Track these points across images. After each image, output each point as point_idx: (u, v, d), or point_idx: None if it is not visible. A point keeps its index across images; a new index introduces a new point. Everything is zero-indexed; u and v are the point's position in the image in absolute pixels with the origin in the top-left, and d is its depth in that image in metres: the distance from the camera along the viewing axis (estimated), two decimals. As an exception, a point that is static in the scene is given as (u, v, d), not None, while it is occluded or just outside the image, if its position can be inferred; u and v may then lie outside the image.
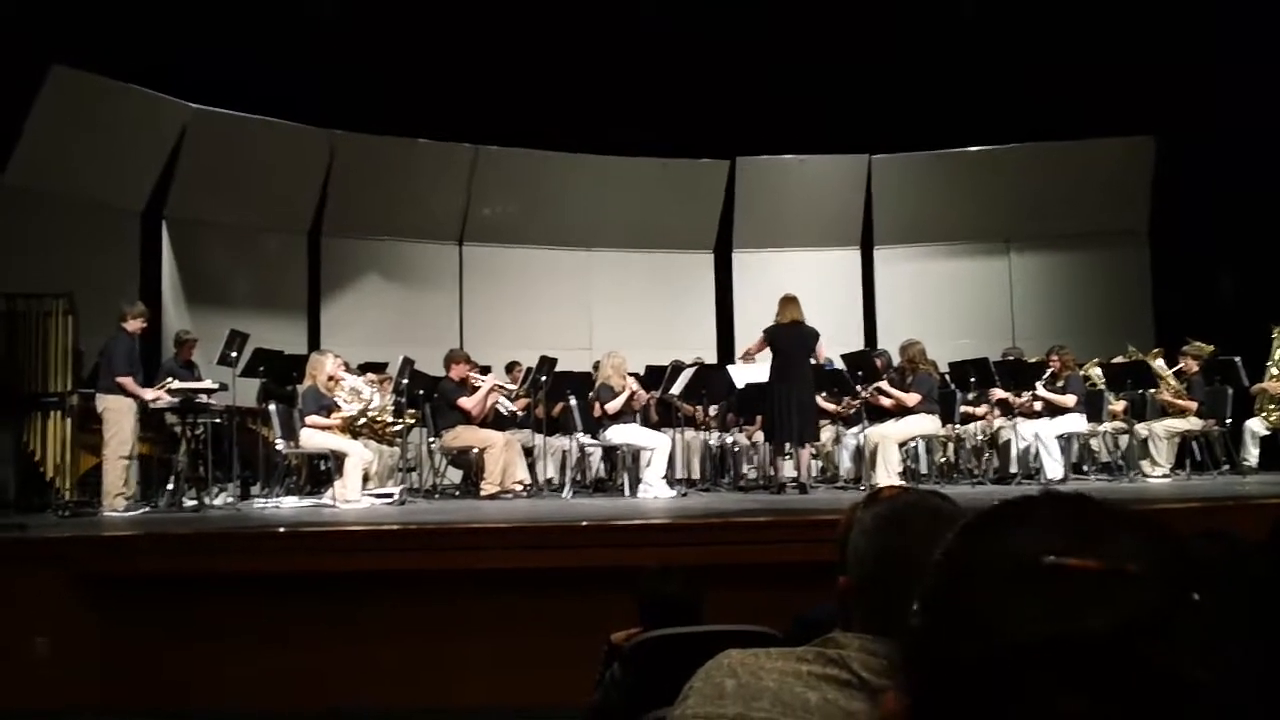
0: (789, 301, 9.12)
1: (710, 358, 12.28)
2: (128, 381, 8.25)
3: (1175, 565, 0.62)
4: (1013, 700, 0.57)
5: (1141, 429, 10.04)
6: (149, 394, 8.38)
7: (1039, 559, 0.61)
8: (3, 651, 5.54)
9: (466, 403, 9.66)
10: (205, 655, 5.61)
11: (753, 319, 9.86)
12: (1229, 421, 9.96)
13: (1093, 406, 9.94)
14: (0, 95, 9.54)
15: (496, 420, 10.21)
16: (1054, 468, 9.45)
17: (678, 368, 10.09)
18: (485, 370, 10.42)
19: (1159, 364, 10.24)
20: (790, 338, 9.03)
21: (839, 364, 10.06)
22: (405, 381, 9.48)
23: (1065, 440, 9.69)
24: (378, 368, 10.30)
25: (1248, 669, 0.57)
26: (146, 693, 5.55)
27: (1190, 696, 0.55)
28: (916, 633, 0.66)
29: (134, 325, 8.55)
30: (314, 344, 11.88)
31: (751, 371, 9.82)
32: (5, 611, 5.65)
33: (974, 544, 0.66)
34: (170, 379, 8.78)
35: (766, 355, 9.32)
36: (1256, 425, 10.12)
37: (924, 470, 10.00)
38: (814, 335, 9.08)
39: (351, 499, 8.53)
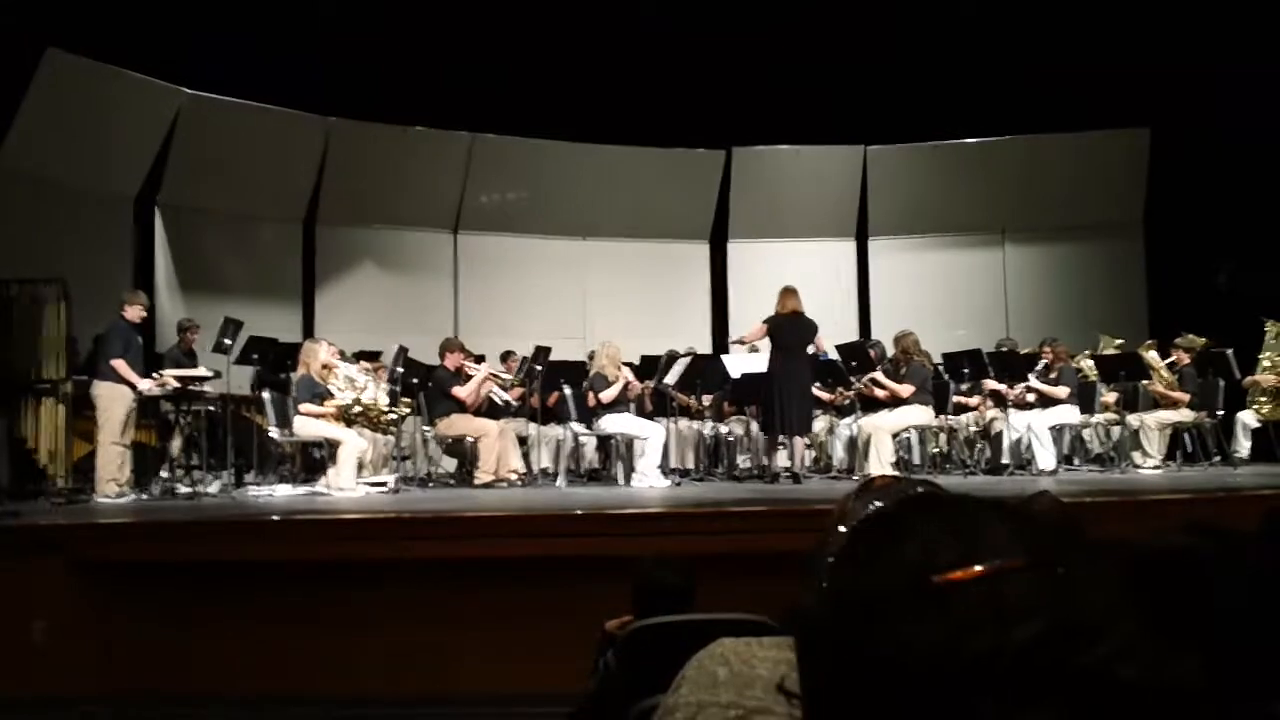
0: (789, 293, 9.12)
1: (704, 347, 12.29)
2: (120, 364, 8.25)
3: (1039, 545, 0.62)
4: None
5: (1133, 420, 10.07)
6: (143, 383, 8.38)
7: (930, 579, 0.61)
8: (-2, 638, 5.56)
9: (461, 391, 9.66)
10: (199, 642, 5.62)
11: (748, 309, 9.88)
12: (1220, 413, 9.99)
13: (1085, 398, 9.97)
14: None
15: (491, 409, 10.21)
16: (1046, 459, 9.48)
17: (672, 357, 10.10)
18: (480, 359, 10.42)
19: (1151, 356, 10.26)
20: (791, 329, 9.04)
21: (833, 354, 10.08)
22: (400, 370, 9.47)
23: (1057, 431, 9.72)
24: (372, 356, 10.29)
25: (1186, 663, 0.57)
26: (142, 678, 5.56)
27: (1123, 696, 0.55)
28: (823, 666, 0.66)
29: (133, 313, 8.57)
30: (308, 332, 11.87)
31: (747, 361, 9.83)
32: (0, 599, 5.66)
33: (862, 573, 0.65)
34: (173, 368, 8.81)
35: (762, 344, 9.34)
36: (1248, 417, 10.15)
37: (917, 461, 10.02)
38: (813, 327, 9.09)
39: (346, 487, 8.54)
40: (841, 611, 0.65)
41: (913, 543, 0.64)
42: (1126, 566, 0.62)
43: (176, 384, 8.60)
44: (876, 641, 0.60)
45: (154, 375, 8.55)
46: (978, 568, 0.60)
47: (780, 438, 9.18)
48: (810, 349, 9.72)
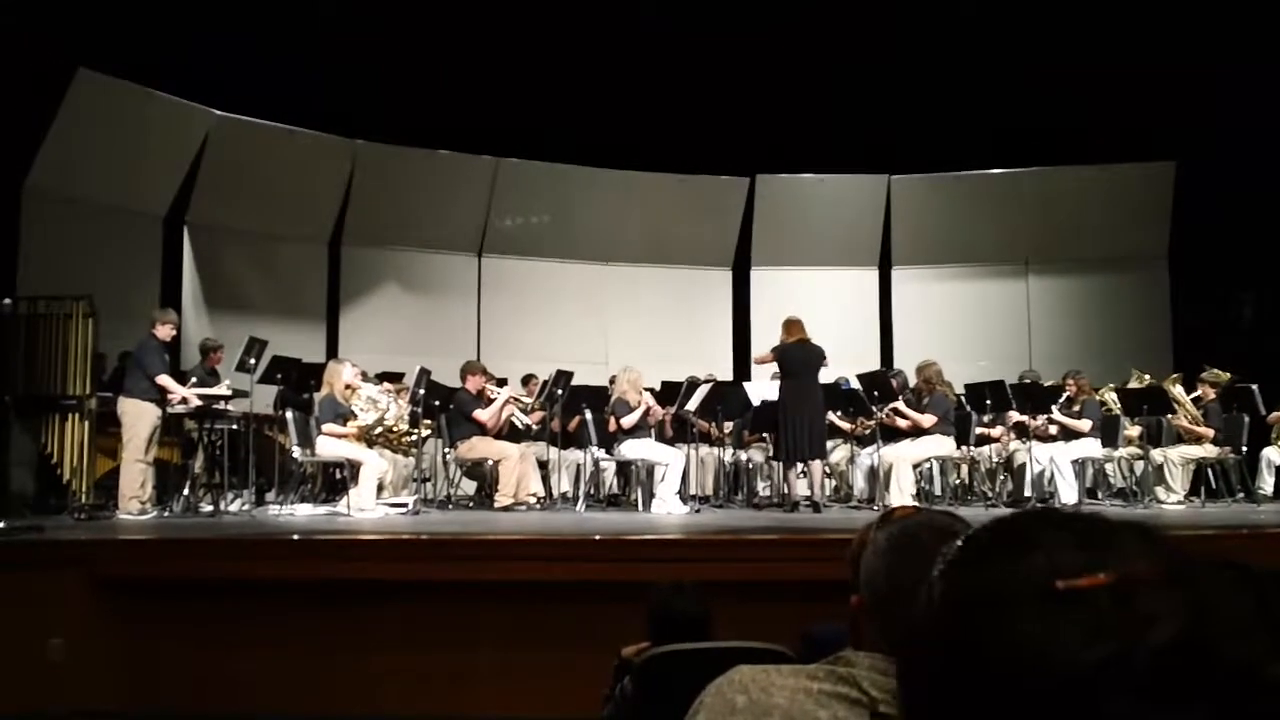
0: (794, 324, 9.16)
1: (725, 374, 12.28)
2: (167, 380, 8.33)
3: (1174, 562, 0.62)
4: None
5: (1157, 455, 9.99)
6: (187, 391, 8.45)
7: (1055, 583, 0.61)
8: (19, 653, 5.58)
9: (481, 415, 9.68)
10: (218, 659, 5.63)
11: (769, 336, 9.85)
12: (1245, 449, 9.91)
13: (1108, 431, 9.90)
14: (26, 99, 9.63)
15: (511, 432, 10.23)
16: (1068, 492, 9.42)
17: (693, 383, 10.09)
18: (501, 382, 10.44)
19: (1177, 390, 10.19)
20: (799, 358, 9.05)
21: (854, 383, 10.05)
22: (421, 392, 9.50)
23: (1080, 465, 9.65)
24: (394, 377, 10.33)
25: None
26: (161, 695, 5.58)
27: (1271, 697, 0.55)
28: (936, 671, 0.66)
29: (164, 332, 8.64)
30: (332, 352, 11.92)
31: (768, 389, 9.82)
32: (21, 613, 5.69)
33: (984, 575, 0.65)
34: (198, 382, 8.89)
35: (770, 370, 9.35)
36: (1273, 454, 10.07)
37: (938, 491, 9.97)
38: (821, 353, 9.08)
39: (366, 508, 8.56)
40: (960, 614, 0.65)
41: (1040, 550, 0.64)
42: None
43: (199, 402, 8.67)
44: (996, 643, 0.61)
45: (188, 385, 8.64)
46: (1106, 576, 0.61)
47: (800, 466, 9.16)
48: (834, 378, 9.75)
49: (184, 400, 8.57)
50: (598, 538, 6.44)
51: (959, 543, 0.70)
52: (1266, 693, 0.55)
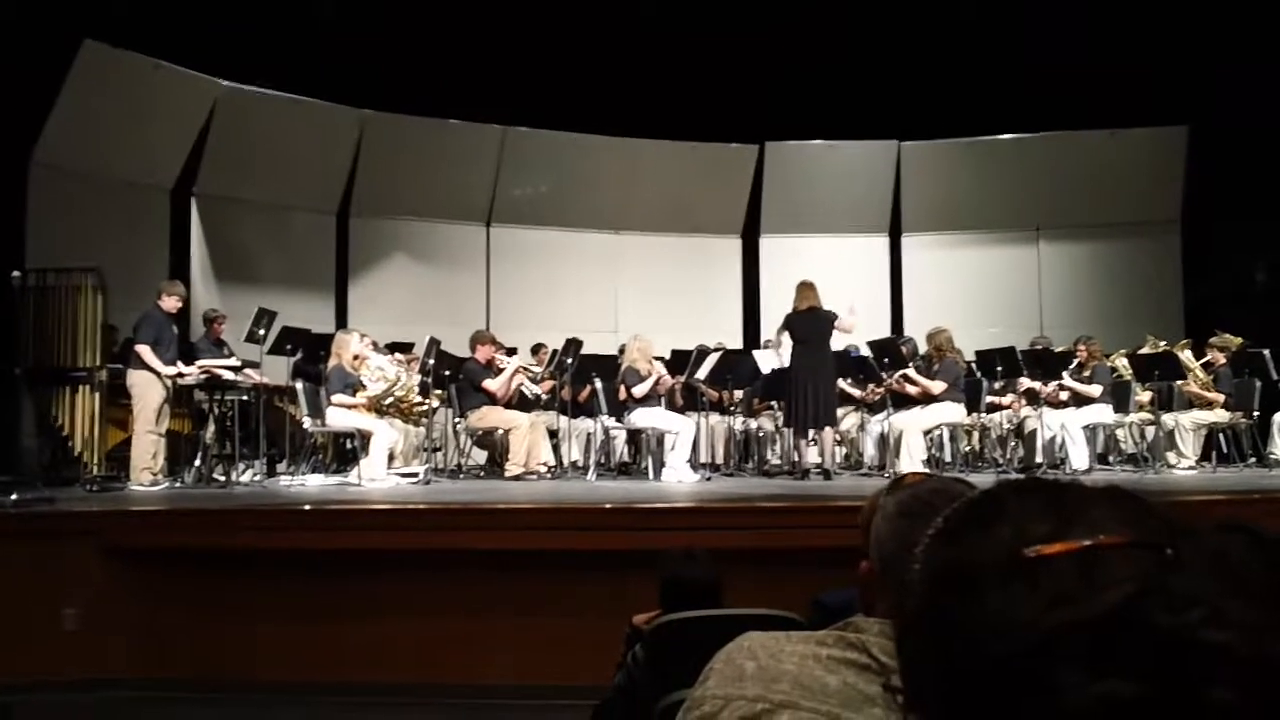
0: (806, 287, 9.06)
1: (736, 342, 12.27)
2: (145, 350, 8.32)
3: (1147, 527, 0.61)
4: (1038, 694, 0.56)
5: (1168, 420, 9.97)
6: (167, 369, 8.44)
7: (1022, 552, 0.60)
8: (32, 623, 5.62)
9: (491, 384, 9.68)
10: (230, 629, 5.67)
11: (779, 304, 9.82)
12: (1256, 414, 9.88)
13: (1119, 397, 9.88)
14: (31, 71, 9.60)
15: (521, 402, 10.23)
16: (1079, 458, 9.41)
17: (703, 352, 10.08)
18: (511, 352, 10.44)
19: (1187, 355, 10.15)
20: (806, 325, 8.98)
21: (865, 350, 10.03)
22: (431, 362, 9.51)
23: (1091, 430, 9.64)
24: (404, 347, 10.34)
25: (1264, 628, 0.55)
26: (173, 664, 5.62)
27: (1212, 659, 0.54)
28: (919, 641, 0.66)
29: (169, 303, 8.66)
30: (341, 323, 11.95)
31: (777, 357, 9.81)
32: (34, 583, 5.73)
33: (956, 548, 0.65)
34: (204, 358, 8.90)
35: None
36: (1284, 419, 10.04)
37: (948, 458, 9.96)
38: (831, 318, 9.01)
39: (377, 478, 8.58)
40: (935, 587, 0.65)
41: (1008, 519, 0.64)
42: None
43: (209, 373, 8.68)
44: (968, 615, 0.61)
45: (179, 364, 8.62)
46: (1069, 543, 0.60)
47: (810, 434, 9.15)
48: (843, 345, 9.71)
49: (178, 374, 8.56)
50: (608, 506, 6.45)
51: (941, 516, 0.70)
52: (1198, 659, 0.54)
